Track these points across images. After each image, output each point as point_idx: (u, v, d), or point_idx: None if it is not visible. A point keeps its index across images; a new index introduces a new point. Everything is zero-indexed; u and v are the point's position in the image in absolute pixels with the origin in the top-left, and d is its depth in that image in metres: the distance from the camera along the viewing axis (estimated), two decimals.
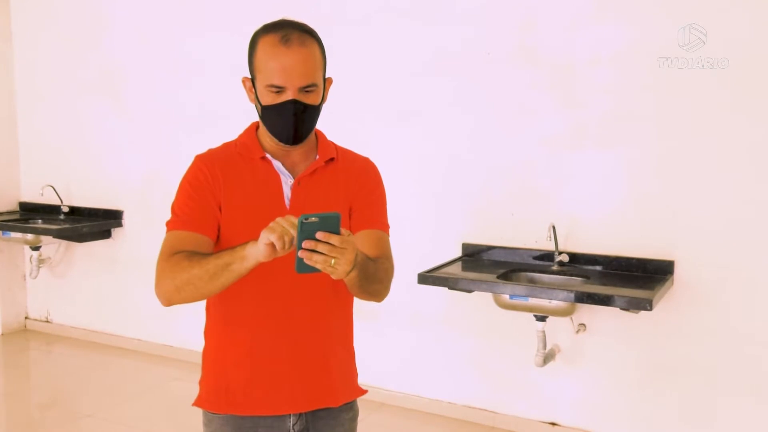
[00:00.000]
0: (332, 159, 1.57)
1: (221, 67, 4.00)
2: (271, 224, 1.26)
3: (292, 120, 1.45)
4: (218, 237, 1.50)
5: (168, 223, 1.51)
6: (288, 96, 1.43)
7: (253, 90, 1.49)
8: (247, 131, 1.59)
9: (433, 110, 3.46)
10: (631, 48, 2.98)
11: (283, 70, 1.42)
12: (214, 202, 1.49)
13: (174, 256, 1.42)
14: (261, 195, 1.50)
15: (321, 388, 1.56)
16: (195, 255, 1.40)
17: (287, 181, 1.52)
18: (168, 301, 1.44)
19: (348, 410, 1.63)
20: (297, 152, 1.55)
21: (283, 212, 1.48)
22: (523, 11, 3.21)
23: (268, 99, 1.45)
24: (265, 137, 1.54)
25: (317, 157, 1.56)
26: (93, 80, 4.58)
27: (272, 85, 1.43)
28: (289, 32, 1.43)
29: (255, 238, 1.35)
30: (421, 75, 3.47)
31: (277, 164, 1.53)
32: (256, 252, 1.29)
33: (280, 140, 1.50)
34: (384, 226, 1.61)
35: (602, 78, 3.05)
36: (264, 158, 1.53)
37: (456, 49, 3.37)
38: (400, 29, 3.51)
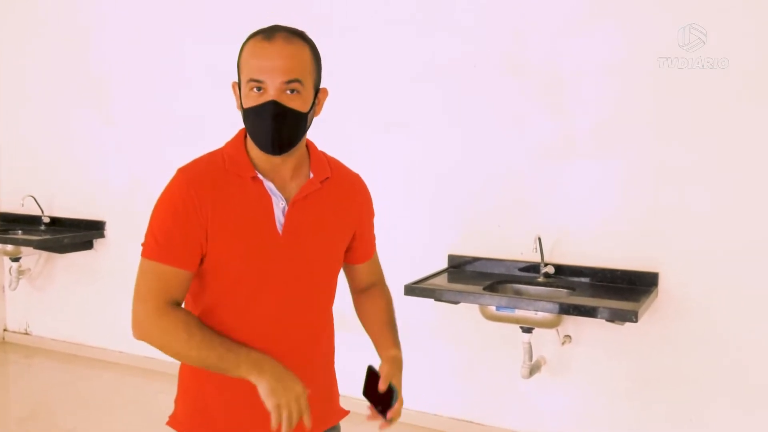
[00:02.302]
0: (327, 178, 1.49)
1: (208, 75, 3.98)
2: (281, 402, 1.31)
3: (270, 124, 1.34)
4: (202, 261, 1.41)
5: (146, 248, 1.39)
6: (268, 97, 1.34)
7: (239, 94, 1.41)
8: (235, 141, 1.47)
9: (422, 121, 3.47)
10: (620, 59, 3.00)
11: (263, 64, 1.34)
12: (200, 230, 1.37)
13: (169, 317, 1.35)
14: (252, 219, 1.40)
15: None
16: (193, 331, 1.35)
17: (279, 204, 1.42)
18: (143, 341, 1.39)
19: (331, 429, 1.59)
20: (287, 167, 1.44)
21: (276, 238, 1.41)
22: (513, 20, 3.22)
23: (250, 100, 1.36)
24: (254, 148, 1.43)
25: (311, 175, 1.47)
26: (77, 88, 4.54)
27: (252, 80, 1.34)
28: (275, 31, 1.37)
29: (243, 264, 1.36)
30: (409, 85, 3.47)
31: (269, 185, 1.42)
32: (256, 379, 1.33)
33: (261, 148, 1.39)
34: (375, 246, 1.65)
35: (590, 88, 3.07)
36: (255, 178, 1.42)
37: (445, 60, 3.38)
38: (388, 39, 3.51)
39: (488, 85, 3.29)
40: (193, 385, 1.50)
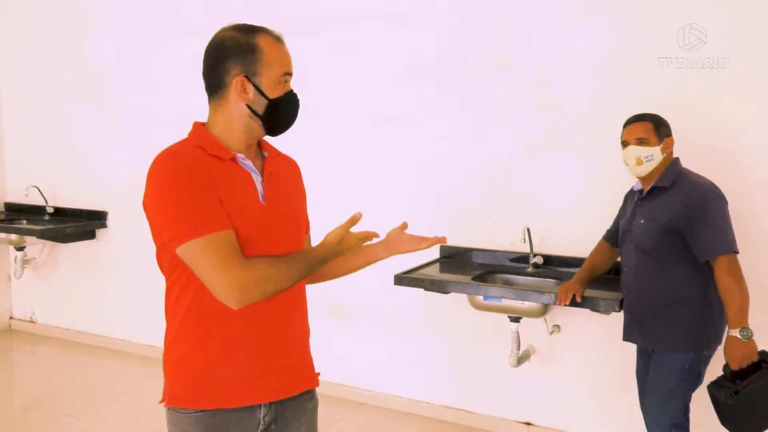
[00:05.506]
0: (278, 155, 1.68)
1: None
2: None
3: (297, 109, 1.60)
4: None
5: (186, 232, 1.40)
6: (289, 87, 1.57)
7: (252, 88, 1.51)
8: (198, 133, 1.56)
9: (412, 114, 3.53)
10: (608, 53, 3.06)
11: (289, 60, 1.57)
12: (215, 193, 1.45)
13: (254, 265, 1.44)
14: (241, 194, 1.51)
15: (291, 374, 1.61)
16: (278, 263, 1.49)
17: (257, 179, 1.56)
18: (250, 302, 1.45)
19: (309, 399, 1.68)
20: (252, 149, 1.61)
21: (261, 208, 1.53)
22: (500, 16, 3.29)
23: (278, 91, 1.55)
24: (228, 135, 1.54)
25: (265, 154, 1.64)
26: (78, 82, 4.62)
27: (287, 73, 1.56)
28: (277, 33, 1.58)
29: (239, 236, 1.46)
30: (399, 80, 3.54)
31: (248, 164, 1.55)
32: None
33: (279, 130, 1.59)
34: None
35: (578, 83, 3.14)
36: (234, 159, 1.53)
37: (434, 54, 3.44)
38: (377, 34, 3.58)
39: (478, 79, 3.35)
40: (184, 362, 1.55)
